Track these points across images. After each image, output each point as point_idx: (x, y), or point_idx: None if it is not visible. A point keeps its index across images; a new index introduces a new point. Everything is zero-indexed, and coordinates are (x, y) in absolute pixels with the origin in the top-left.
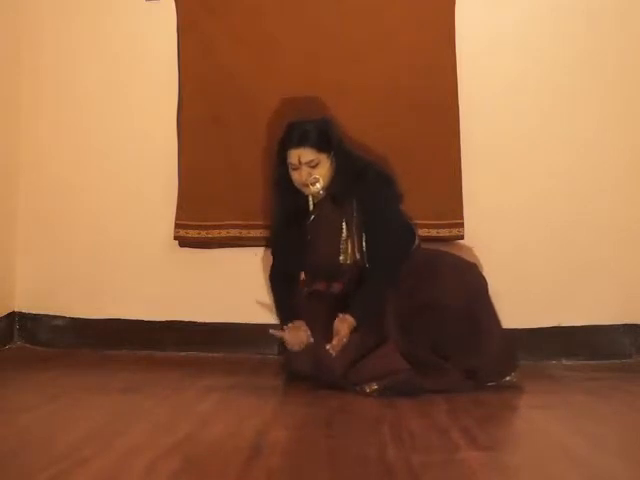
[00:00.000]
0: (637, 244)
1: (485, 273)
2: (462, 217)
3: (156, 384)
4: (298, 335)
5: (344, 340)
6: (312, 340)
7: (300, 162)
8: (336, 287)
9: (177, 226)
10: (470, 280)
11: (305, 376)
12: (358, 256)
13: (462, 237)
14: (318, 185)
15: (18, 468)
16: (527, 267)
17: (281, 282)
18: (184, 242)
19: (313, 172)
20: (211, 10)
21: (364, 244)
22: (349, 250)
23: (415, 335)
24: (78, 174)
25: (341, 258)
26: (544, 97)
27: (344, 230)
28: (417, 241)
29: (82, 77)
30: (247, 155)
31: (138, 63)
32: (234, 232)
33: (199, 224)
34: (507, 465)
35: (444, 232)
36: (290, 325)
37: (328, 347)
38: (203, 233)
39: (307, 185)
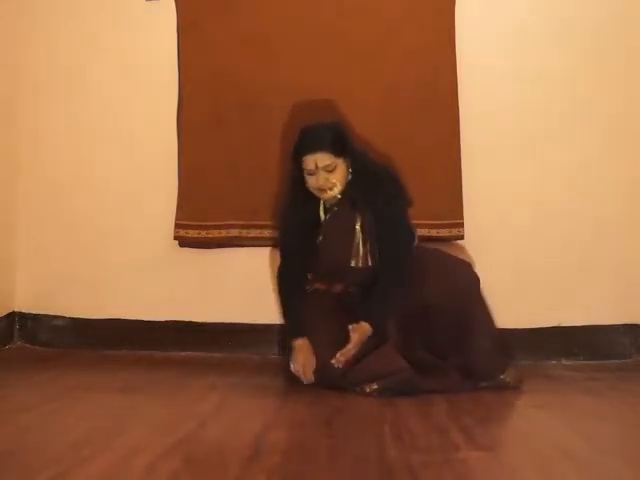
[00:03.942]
0: (637, 244)
1: (485, 273)
2: (462, 217)
3: (156, 384)
4: (307, 360)
5: (352, 352)
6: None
7: (317, 167)
8: (337, 287)
9: (177, 226)
10: (458, 278)
11: None
12: (370, 262)
13: (462, 237)
14: (335, 190)
15: (18, 468)
16: (527, 267)
17: (291, 286)
18: (184, 242)
19: (330, 177)
20: (211, 10)
21: (376, 249)
22: (361, 253)
23: (411, 335)
24: (78, 174)
25: (352, 262)
26: (544, 97)
27: (358, 233)
28: (416, 241)
29: (82, 77)
30: (247, 155)
31: (138, 63)
32: (234, 232)
33: (199, 224)
34: (507, 465)
35: (444, 232)
36: (298, 347)
37: (333, 361)
38: (203, 233)
39: (325, 190)
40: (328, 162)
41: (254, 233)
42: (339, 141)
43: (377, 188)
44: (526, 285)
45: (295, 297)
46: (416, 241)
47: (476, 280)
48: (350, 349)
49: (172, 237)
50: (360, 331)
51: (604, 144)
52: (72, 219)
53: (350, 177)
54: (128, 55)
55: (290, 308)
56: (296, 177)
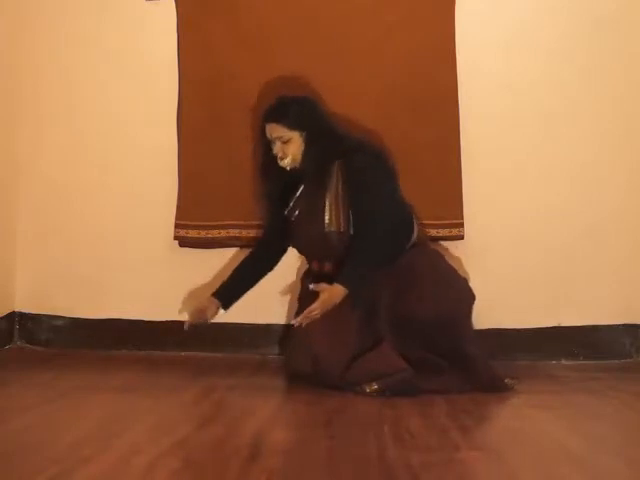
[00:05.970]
0: (637, 244)
1: (485, 273)
2: (462, 217)
3: (156, 384)
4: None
5: (315, 312)
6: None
7: (272, 137)
8: (328, 267)
9: (177, 226)
10: (449, 296)
11: (305, 376)
12: (343, 227)
13: (462, 237)
14: (286, 161)
15: (18, 468)
16: (527, 267)
17: (246, 260)
18: (184, 242)
19: (284, 147)
20: (211, 10)
21: (351, 217)
22: (333, 218)
23: (405, 339)
24: (78, 174)
25: (326, 223)
26: (544, 97)
27: (326, 200)
28: (416, 231)
29: (82, 77)
30: (247, 155)
31: (138, 63)
32: (234, 232)
33: (199, 224)
34: (507, 465)
35: (444, 232)
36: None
37: (293, 322)
38: (203, 233)
39: (280, 159)
40: (281, 134)
41: (254, 233)
42: (295, 115)
43: (348, 164)
44: (526, 285)
45: (240, 270)
46: (416, 230)
47: (472, 297)
48: (312, 309)
49: (172, 237)
50: (329, 292)
51: (604, 144)
52: (72, 219)
53: (308, 152)
54: (128, 55)
55: (229, 275)
56: (265, 145)
